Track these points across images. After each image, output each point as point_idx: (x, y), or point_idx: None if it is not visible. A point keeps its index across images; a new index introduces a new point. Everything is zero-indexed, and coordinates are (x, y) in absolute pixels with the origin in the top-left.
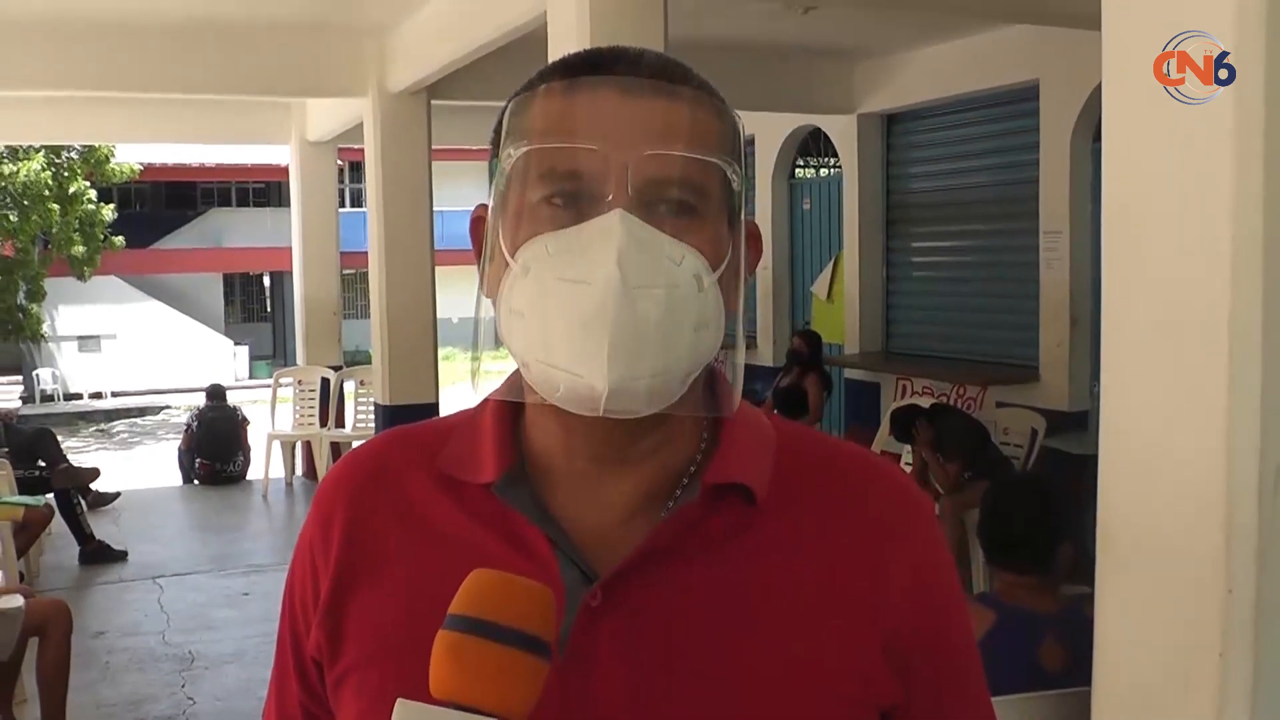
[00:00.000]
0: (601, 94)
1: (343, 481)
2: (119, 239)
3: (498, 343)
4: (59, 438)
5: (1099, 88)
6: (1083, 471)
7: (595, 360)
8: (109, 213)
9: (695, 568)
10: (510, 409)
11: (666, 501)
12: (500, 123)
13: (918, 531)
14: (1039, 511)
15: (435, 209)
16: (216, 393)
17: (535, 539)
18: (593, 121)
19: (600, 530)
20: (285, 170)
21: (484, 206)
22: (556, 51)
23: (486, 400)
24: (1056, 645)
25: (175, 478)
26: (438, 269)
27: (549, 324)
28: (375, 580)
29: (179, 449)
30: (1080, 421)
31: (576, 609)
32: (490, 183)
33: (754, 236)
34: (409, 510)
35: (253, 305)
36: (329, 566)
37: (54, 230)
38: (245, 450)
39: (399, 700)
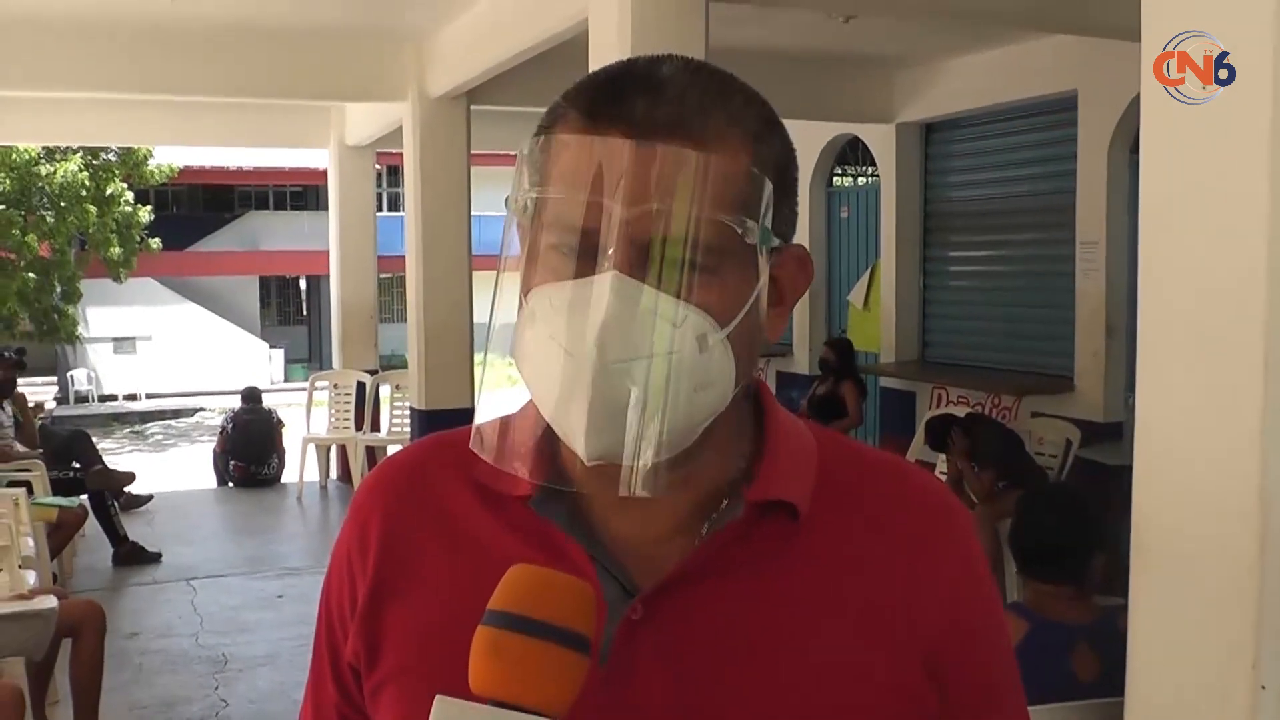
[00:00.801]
0: (612, 143)
1: (380, 488)
2: (155, 241)
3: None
4: (94, 439)
5: (1137, 99)
6: (1117, 482)
7: (577, 431)
8: (145, 214)
9: (736, 582)
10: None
11: (709, 516)
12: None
13: (956, 543)
14: (1071, 523)
15: (473, 214)
16: (252, 395)
17: (574, 552)
18: (599, 173)
19: (640, 545)
20: (322, 174)
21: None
22: (597, 58)
23: (524, 409)
24: (1090, 655)
25: (209, 480)
26: (475, 274)
27: (545, 382)
28: (413, 588)
29: (214, 451)
30: (1115, 432)
31: (617, 623)
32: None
33: (801, 262)
34: (447, 519)
35: (288, 308)
36: (366, 573)
37: (90, 231)
38: (280, 453)
39: (438, 697)
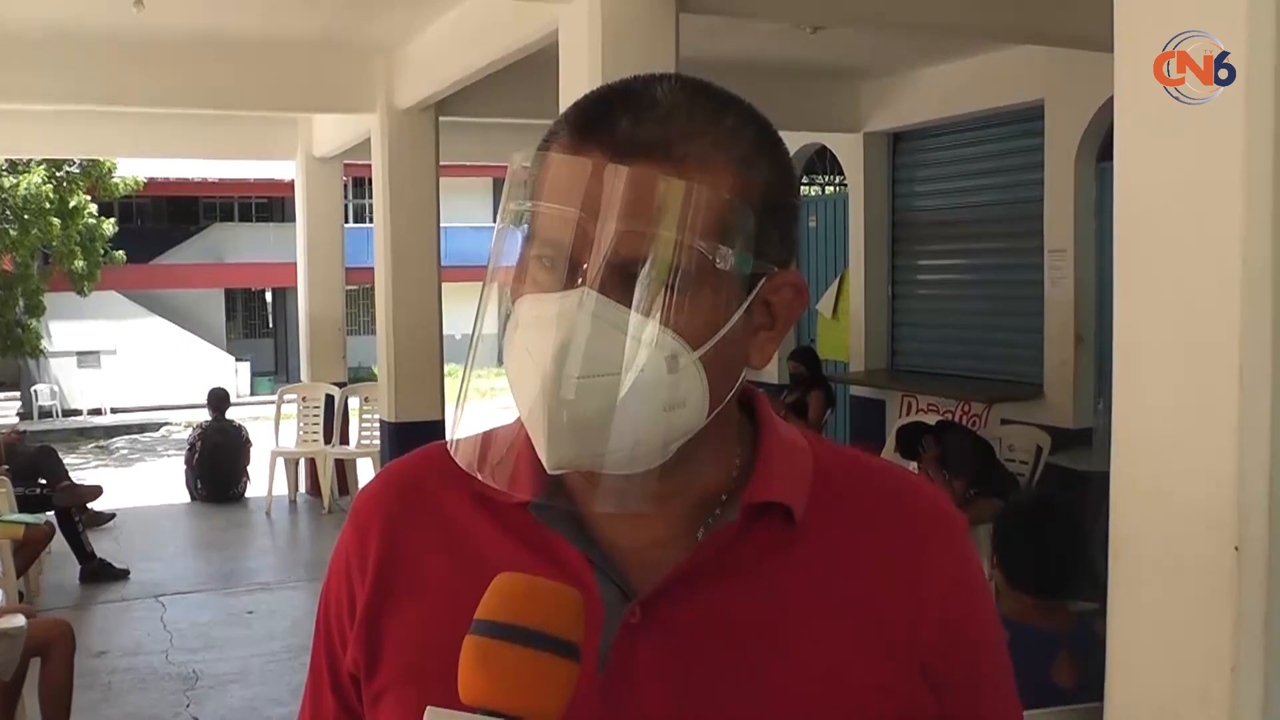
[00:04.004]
0: (585, 162)
1: (380, 496)
2: (120, 254)
3: (500, 360)
4: (59, 454)
5: (1103, 107)
6: (1087, 488)
7: (540, 439)
8: (110, 227)
9: (734, 586)
10: None
11: (705, 520)
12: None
13: (952, 549)
14: (1068, 540)
15: (442, 225)
16: (219, 401)
17: (573, 558)
18: (580, 188)
19: (639, 549)
20: (288, 185)
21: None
22: (567, 70)
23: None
24: (1069, 662)
25: (176, 494)
26: (444, 285)
27: (519, 390)
28: (412, 596)
29: (185, 469)
30: (1084, 438)
31: (616, 627)
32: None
33: (797, 288)
34: (446, 527)
35: (254, 321)
36: (365, 580)
37: (54, 244)
38: (249, 469)
39: (429, 708)
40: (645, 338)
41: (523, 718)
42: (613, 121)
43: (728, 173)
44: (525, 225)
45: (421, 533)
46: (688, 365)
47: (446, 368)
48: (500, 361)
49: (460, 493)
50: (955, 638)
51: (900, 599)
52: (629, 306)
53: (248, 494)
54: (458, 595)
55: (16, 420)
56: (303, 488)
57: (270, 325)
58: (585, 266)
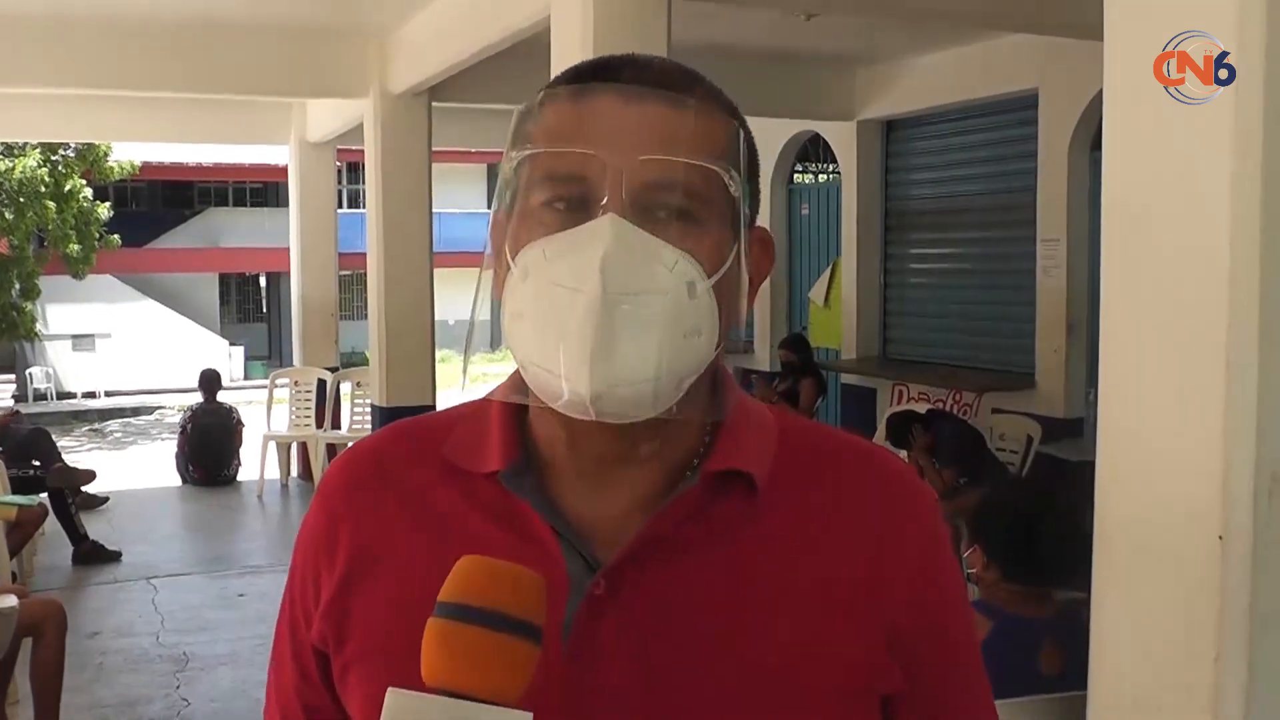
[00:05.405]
0: (603, 100)
1: (347, 473)
2: (115, 237)
3: (494, 345)
4: (53, 437)
5: (1097, 96)
6: (1078, 478)
7: (580, 365)
8: (105, 211)
9: (699, 557)
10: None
11: (670, 493)
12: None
13: (920, 520)
14: (1060, 528)
15: (434, 211)
16: (210, 382)
17: (541, 530)
18: (592, 127)
19: (605, 521)
20: (283, 170)
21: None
22: (559, 55)
23: (493, 392)
24: (1054, 650)
25: (169, 478)
26: (436, 271)
27: (542, 328)
28: (380, 570)
29: (176, 453)
30: (1076, 428)
31: (580, 599)
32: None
33: (764, 244)
34: (413, 501)
35: (248, 305)
36: (334, 558)
37: (49, 228)
38: (240, 452)
39: (390, 689)
40: (670, 261)
41: (484, 699)
42: (616, 73)
43: (721, 115)
44: (530, 174)
45: (389, 508)
46: (704, 293)
47: (439, 353)
48: (500, 344)
49: (429, 467)
50: (921, 608)
51: (866, 570)
52: (653, 233)
53: (240, 477)
54: (424, 569)
55: (12, 403)
56: (295, 472)
57: (264, 310)
58: (605, 199)
